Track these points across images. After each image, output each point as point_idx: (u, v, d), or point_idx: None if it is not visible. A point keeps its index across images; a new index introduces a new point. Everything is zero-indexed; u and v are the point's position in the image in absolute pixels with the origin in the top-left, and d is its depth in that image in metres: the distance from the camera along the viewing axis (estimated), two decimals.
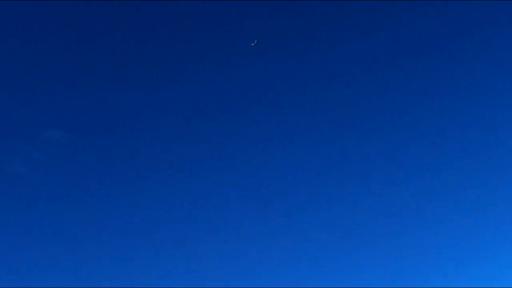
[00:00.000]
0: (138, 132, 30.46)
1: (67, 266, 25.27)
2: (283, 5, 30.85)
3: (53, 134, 28.38)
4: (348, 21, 31.66)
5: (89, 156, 29.51)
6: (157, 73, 31.57)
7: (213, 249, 28.14)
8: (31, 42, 30.20)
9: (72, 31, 30.72)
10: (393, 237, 28.79)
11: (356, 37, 31.96)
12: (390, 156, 30.16)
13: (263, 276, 27.11)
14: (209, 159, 30.69)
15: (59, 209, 27.61)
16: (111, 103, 30.19)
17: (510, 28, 30.91)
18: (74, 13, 30.56)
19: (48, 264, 25.15)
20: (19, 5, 28.57)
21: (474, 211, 28.98)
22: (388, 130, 30.53)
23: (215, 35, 31.12)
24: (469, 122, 31.22)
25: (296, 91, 31.46)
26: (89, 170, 29.09)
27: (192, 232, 28.65)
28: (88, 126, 29.85)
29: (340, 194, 29.64)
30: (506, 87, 31.13)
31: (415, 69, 31.80)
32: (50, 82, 29.89)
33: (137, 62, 31.33)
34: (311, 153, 30.24)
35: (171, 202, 29.18)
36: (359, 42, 31.79)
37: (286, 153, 30.28)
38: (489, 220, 28.52)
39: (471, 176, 29.95)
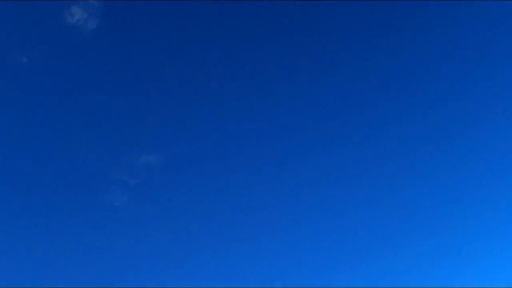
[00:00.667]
0: (234, 152, 30.24)
1: None
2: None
3: (148, 159, 28.19)
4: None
5: (188, 180, 29.42)
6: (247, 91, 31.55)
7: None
8: (122, 68, 30.00)
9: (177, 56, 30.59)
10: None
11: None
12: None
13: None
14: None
15: (160, 236, 27.76)
16: (207, 126, 30.07)
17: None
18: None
19: None
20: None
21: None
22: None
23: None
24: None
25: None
26: (190, 193, 29.02)
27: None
28: (183, 148, 29.73)
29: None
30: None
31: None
32: (142, 106, 29.71)
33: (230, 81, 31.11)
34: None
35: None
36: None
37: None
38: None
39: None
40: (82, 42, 28.92)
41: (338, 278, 27.03)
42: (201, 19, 29.50)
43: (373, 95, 30.29)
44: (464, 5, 30.73)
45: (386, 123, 29.73)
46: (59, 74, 28.85)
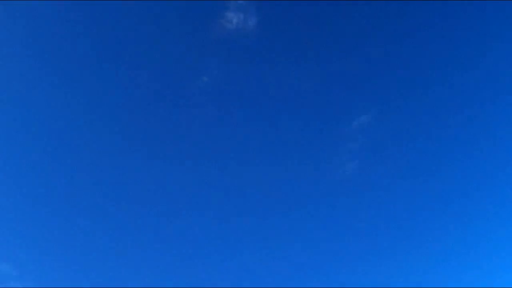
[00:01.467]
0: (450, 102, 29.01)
1: None
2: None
3: (361, 121, 27.55)
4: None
5: (405, 134, 29.30)
6: None
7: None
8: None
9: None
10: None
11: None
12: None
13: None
14: None
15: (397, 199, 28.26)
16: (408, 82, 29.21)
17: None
18: None
19: None
20: None
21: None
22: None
23: None
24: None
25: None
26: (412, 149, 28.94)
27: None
28: (391, 104, 29.33)
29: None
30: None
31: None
32: (337, 75, 28.88)
33: None
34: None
35: None
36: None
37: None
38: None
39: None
40: (247, 42, 28.98)
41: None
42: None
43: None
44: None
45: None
46: (240, 82, 29.37)
